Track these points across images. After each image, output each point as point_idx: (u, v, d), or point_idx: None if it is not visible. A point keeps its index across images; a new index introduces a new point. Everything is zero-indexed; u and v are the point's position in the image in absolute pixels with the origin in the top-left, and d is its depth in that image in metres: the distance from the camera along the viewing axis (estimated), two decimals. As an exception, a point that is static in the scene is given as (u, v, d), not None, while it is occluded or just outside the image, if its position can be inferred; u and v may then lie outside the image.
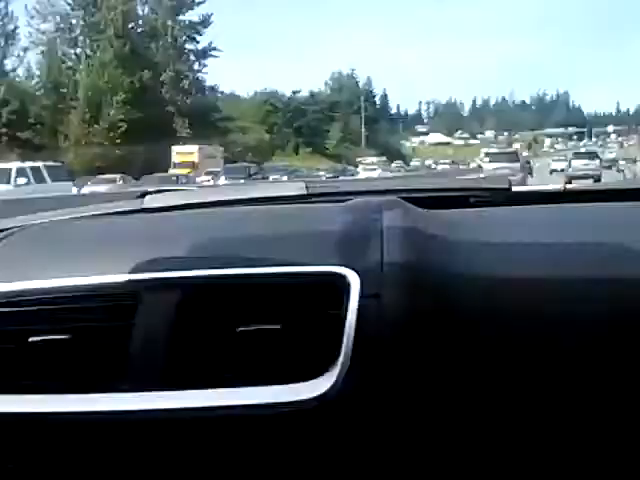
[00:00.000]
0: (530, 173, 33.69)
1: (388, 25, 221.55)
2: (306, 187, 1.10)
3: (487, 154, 27.89)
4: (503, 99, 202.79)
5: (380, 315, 0.76)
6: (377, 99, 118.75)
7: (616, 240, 0.81)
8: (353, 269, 0.79)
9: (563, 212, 0.96)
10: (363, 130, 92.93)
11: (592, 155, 36.72)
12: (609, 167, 37.50)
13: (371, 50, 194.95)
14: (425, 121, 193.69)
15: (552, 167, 42.80)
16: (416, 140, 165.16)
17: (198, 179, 32.93)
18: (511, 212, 0.98)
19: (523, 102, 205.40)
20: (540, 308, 0.78)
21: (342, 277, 0.79)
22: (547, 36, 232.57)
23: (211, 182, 29.89)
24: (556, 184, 6.44)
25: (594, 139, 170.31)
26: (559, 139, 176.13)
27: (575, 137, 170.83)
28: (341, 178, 30.68)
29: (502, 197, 1.06)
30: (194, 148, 43.33)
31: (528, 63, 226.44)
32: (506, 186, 1.08)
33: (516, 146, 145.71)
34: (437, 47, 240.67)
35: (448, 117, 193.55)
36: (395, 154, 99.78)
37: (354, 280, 0.78)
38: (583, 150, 62.28)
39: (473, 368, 0.77)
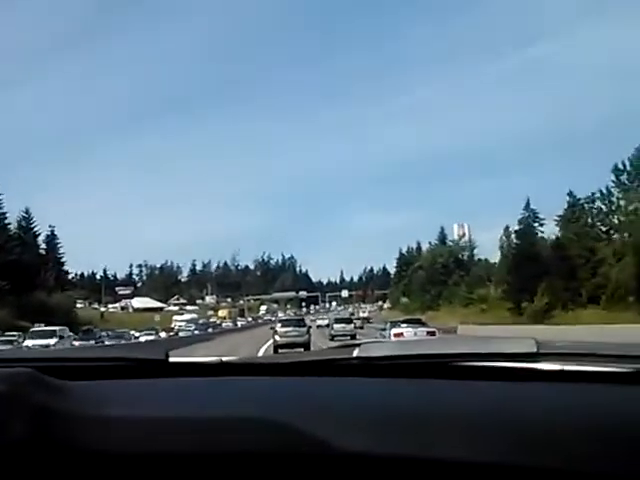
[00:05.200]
0: None
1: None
2: None
3: (281, 320, 33.66)
4: (225, 264, 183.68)
5: None
6: (40, 240, 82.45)
7: (267, 415, 0.83)
8: None
9: (216, 385, 0.96)
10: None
11: (348, 320, 47.74)
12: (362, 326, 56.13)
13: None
14: (139, 285, 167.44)
15: (318, 323, 53.17)
16: (117, 305, 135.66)
17: None
18: (162, 384, 0.96)
19: (247, 267, 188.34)
20: None
21: None
22: (270, 208, 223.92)
23: None
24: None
25: (331, 304, 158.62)
26: (288, 305, 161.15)
27: (304, 304, 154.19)
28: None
29: (157, 368, 1.03)
30: None
31: (251, 228, 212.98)
32: (162, 357, 1.05)
33: (222, 312, 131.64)
34: (154, 211, 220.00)
35: (164, 281, 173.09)
36: (61, 319, 65.05)
37: None
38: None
39: None
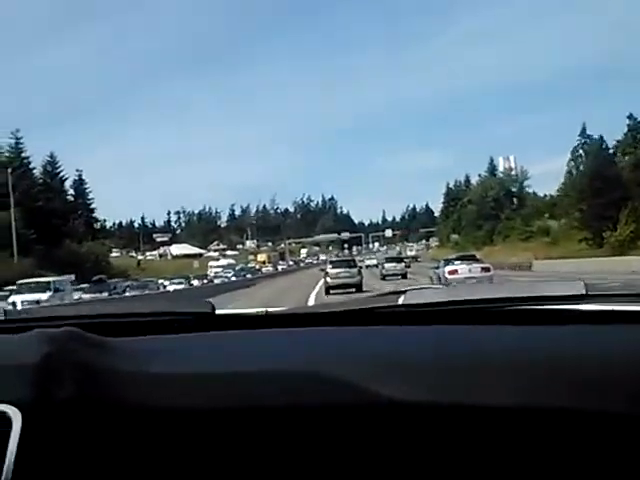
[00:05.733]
0: None
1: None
2: (4, 312, 1.05)
3: (331, 262, 31.08)
4: (264, 208, 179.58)
5: (44, 452, 0.76)
6: (67, 185, 78.28)
7: (313, 367, 0.82)
8: (15, 405, 0.77)
9: (262, 338, 0.96)
10: (15, 229, 52.66)
11: (398, 259, 46.04)
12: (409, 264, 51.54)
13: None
14: (178, 232, 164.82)
15: (366, 264, 52.89)
16: (155, 253, 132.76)
17: None
18: (208, 338, 0.97)
19: (286, 210, 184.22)
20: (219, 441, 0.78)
21: (2, 414, 0.77)
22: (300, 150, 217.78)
23: None
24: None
25: (373, 244, 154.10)
26: (330, 247, 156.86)
27: (346, 245, 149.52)
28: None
29: (203, 321, 1.04)
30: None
31: (290, 171, 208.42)
32: (208, 310, 1.06)
33: (261, 257, 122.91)
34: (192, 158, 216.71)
35: (203, 227, 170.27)
36: (92, 269, 61.68)
37: (16, 417, 0.76)
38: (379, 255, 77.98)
39: None
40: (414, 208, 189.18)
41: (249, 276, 63.92)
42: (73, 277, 61.21)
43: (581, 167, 61.39)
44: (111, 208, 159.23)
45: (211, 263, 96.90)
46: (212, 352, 0.90)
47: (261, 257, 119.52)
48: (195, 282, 54.43)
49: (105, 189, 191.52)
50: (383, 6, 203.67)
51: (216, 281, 56.77)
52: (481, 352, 0.85)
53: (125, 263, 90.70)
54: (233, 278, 59.71)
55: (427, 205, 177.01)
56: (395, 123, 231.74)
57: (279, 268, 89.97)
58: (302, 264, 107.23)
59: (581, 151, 66.19)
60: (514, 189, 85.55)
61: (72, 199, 78.41)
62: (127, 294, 39.10)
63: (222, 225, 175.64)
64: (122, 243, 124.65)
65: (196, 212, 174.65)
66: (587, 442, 0.75)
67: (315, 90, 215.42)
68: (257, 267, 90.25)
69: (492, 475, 0.76)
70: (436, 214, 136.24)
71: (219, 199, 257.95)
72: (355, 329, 0.97)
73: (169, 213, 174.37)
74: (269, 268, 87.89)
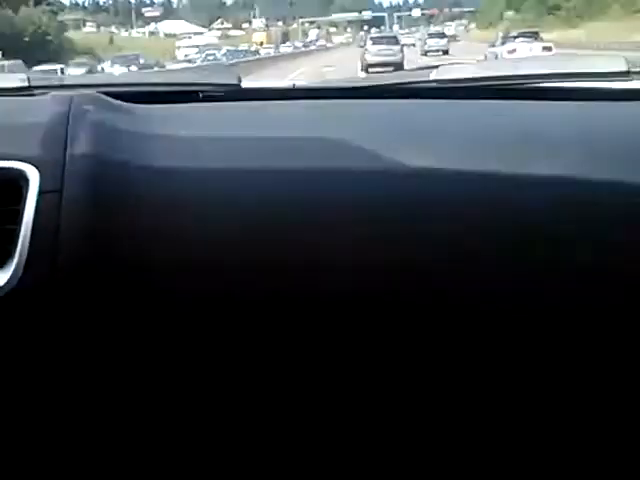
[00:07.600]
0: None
1: None
2: (28, 79, 1.03)
3: (372, 38, 30.77)
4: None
5: (60, 210, 0.74)
6: None
7: (340, 135, 0.80)
8: (32, 164, 0.76)
9: (292, 108, 0.94)
10: None
11: (441, 34, 45.28)
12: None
13: None
14: (179, 8, 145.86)
15: (402, 42, 41.94)
16: (145, 30, 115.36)
17: None
18: (236, 108, 0.95)
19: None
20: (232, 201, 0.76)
21: (20, 172, 0.76)
22: None
23: None
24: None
25: (396, 26, 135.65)
26: (348, 29, 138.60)
27: (365, 27, 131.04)
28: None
29: (230, 93, 1.01)
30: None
31: None
32: (235, 82, 1.02)
33: (258, 36, 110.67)
34: None
35: (205, 4, 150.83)
36: (30, 47, 46.64)
37: (33, 175, 0.75)
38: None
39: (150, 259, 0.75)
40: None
41: (234, 61, 47.16)
42: (21, 62, 46.03)
43: None
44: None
45: (180, 43, 77.69)
46: (240, 120, 0.88)
47: (258, 37, 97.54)
48: (133, 67, 37.94)
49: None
50: None
51: (179, 66, 40.60)
52: (515, 126, 0.82)
53: (97, 40, 74.61)
54: (205, 62, 43.43)
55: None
56: None
57: (282, 50, 72.99)
58: (313, 47, 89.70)
59: None
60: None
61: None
62: None
63: (229, 3, 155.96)
64: (116, 21, 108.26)
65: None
66: None
67: None
68: (253, 49, 72.74)
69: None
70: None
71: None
72: (384, 102, 0.94)
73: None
74: (269, 51, 70.84)
